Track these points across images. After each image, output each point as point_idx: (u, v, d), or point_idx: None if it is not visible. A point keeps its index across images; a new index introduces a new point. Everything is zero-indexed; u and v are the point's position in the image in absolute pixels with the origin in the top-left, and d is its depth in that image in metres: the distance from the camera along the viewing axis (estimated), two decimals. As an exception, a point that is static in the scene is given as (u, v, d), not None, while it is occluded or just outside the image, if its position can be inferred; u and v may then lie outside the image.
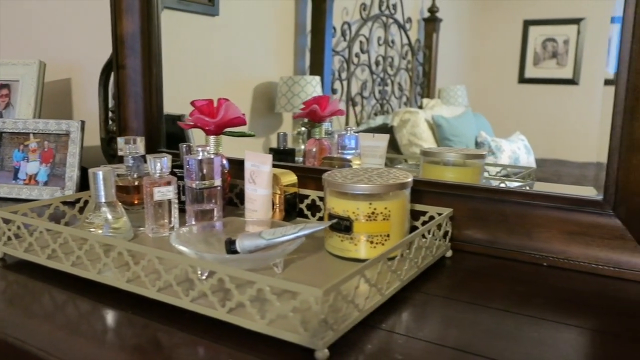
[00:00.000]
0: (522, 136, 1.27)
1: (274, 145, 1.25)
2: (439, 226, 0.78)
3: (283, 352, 0.54)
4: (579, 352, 0.56)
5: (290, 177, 0.92)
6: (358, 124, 1.53)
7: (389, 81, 1.56)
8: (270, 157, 0.83)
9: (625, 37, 0.72)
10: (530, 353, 0.54)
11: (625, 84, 0.73)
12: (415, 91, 1.58)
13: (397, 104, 1.57)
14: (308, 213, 0.95)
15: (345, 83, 1.48)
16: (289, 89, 1.42)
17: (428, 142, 1.46)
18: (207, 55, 1.38)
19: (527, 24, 1.22)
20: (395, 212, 0.74)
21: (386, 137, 1.13)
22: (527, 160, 1.25)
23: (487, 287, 0.72)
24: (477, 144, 1.53)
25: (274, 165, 0.94)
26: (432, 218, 0.83)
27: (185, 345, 0.56)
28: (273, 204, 0.90)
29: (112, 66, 1.22)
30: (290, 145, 1.28)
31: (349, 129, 1.08)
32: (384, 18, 1.48)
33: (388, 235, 0.74)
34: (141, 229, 0.87)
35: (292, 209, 0.92)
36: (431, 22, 1.46)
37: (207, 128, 0.90)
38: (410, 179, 0.76)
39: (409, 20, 1.49)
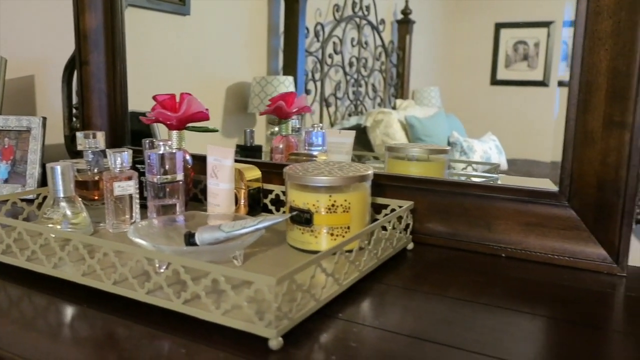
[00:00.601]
0: (494, 137, 1.28)
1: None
2: (400, 219, 0.79)
3: (239, 342, 0.53)
4: (530, 337, 0.57)
5: (254, 172, 0.92)
6: (332, 124, 1.54)
7: (362, 82, 1.57)
8: (232, 151, 0.83)
9: (578, 32, 0.74)
10: (481, 339, 0.55)
11: (579, 78, 0.75)
12: (389, 92, 1.59)
13: (371, 105, 1.58)
14: (272, 208, 0.95)
15: (318, 84, 1.48)
16: (262, 89, 1.41)
17: (401, 142, 1.47)
18: (178, 55, 1.37)
19: (499, 26, 1.24)
20: (355, 205, 0.74)
21: (352, 133, 1.14)
22: (499, 160, 1.27)
23: (445, 277, 0.73)
24: (450, 144, 1.55)
25: (240, 162, 0.94)
26: (393, 211, 0.84)
27: (140, 337, 0.55)
28: (237, 199, 0.90)
29: (75, 62, 1.20)
30: (263, 145, 1.28)
31: (316, 125, 1.09)
32: (357, 19, 1.48)
33: (348, 228, 0.74)
34: (101, 224, 0.86)
35: (256, 203, 0.92)
36: (404, 24, 1.47)
37: (168, 123, 0.89)
38: (370, 172, 0.77)
39: (382, 21, 1.49)
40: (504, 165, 1.21)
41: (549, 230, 0.78)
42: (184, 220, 0.79)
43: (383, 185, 0.89)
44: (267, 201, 0.95)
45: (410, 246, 0.83)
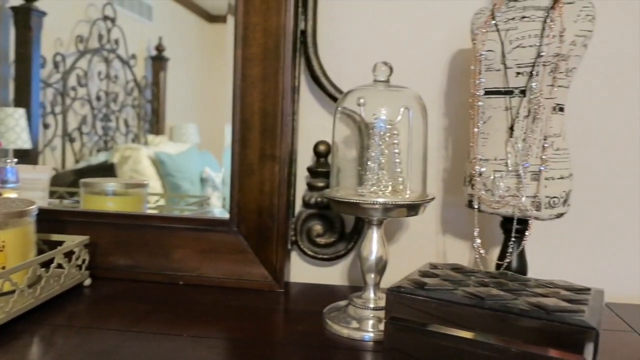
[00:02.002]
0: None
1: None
2: (70, 254, 0.77)
3: None
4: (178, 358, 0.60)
5: None
6: (77, 161, 1.44)
7: (113, 117, 1.51)
8: None
9: (236, 77, 0.83)
10: (120, 366, 0.57)
11: (239, 117, 0.83)
12: (144, 128, 1.56)
13: (123, 141, 1.52)
14: None
15: (60, 117, 1.38)
16: (-15, 122, 1.27)
17: (151, 178, 1.44)
18: None
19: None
20: (12, 243, 0.70)
21: (48, 169, 1.09)
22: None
23: (112, 310, 0.73)
24: (202, 180, 1.57)
25: None
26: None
27: None
28: None
29: None
30: None
31: (8, 160, 1.01)
32: (105, 52, 1.42)
33: (4, 268, 0.70)
34: None
35: None
36: (158, 60, 1.46)
37: None
38: (30, 208, 0.73)
39: (134, 56, 1.46)
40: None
41: (221, 255, 0.85)
42: None
43: (66, 221, 0.86)
44: None
45: (88, 282, 0.81)
